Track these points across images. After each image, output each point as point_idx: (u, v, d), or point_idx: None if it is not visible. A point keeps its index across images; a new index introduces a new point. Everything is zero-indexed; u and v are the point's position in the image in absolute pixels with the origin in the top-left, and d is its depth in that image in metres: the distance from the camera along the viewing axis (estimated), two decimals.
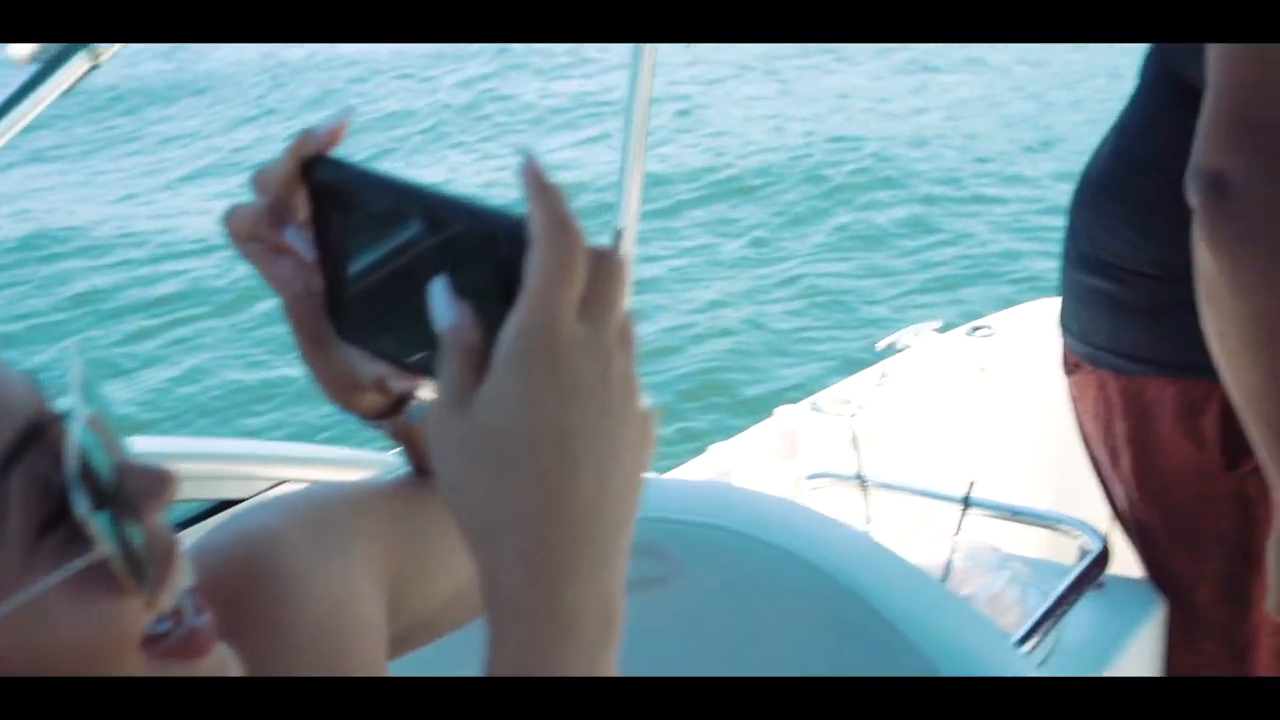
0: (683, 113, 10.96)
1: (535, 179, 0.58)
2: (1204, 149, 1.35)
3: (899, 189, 8.49)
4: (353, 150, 0.68)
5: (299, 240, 0.69)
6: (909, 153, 9.27)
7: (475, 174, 9.34)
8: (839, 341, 6.25)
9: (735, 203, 8.44)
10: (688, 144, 9.92)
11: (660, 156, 9.37)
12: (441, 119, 11.07)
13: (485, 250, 0.60)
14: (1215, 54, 1.38)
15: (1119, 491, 1.83)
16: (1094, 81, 11.01)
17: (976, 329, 2.89)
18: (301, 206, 0.69)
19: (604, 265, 0.59)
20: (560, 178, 0.58)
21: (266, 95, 12.29)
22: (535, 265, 0.57)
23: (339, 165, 0.67)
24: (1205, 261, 1.37)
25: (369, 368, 0.74)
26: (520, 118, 11.14)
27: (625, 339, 0.60)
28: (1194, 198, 1.36)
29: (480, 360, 0.59)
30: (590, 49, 13.41)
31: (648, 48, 2.06)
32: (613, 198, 2.15)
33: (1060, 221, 1.83)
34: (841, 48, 13.61)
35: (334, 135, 0.67)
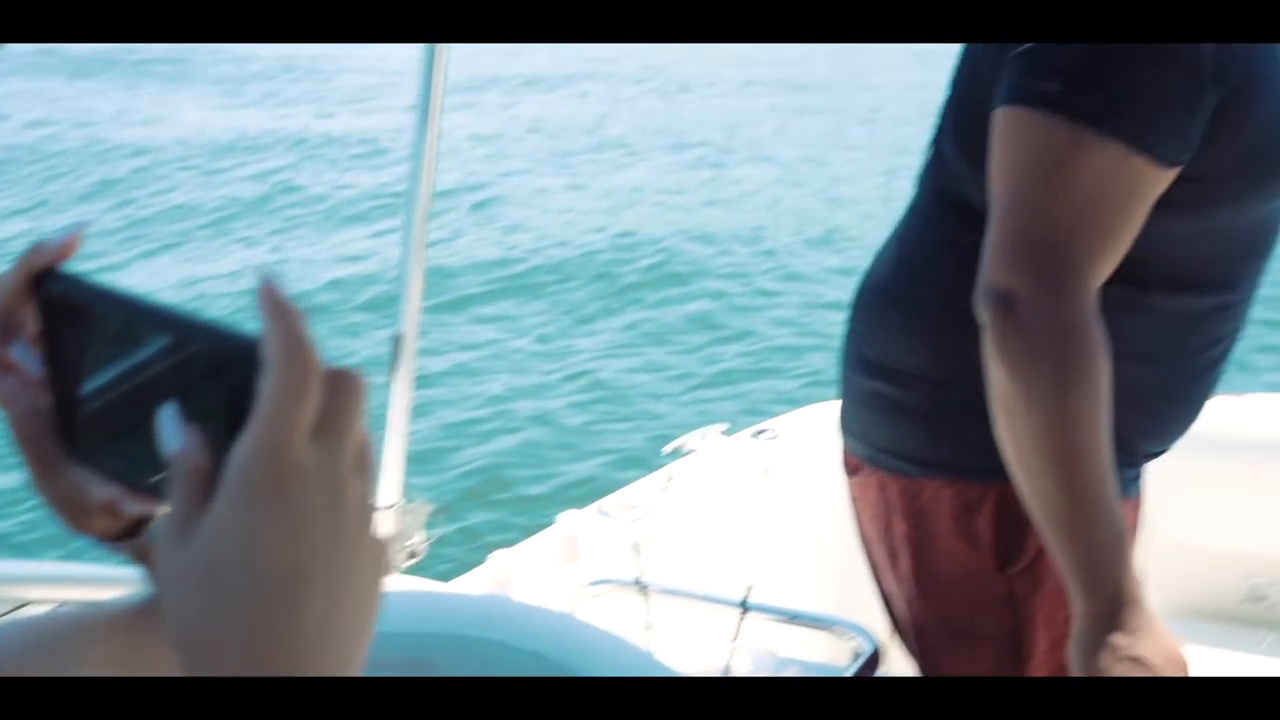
0: (477, 206, 10.98)
1: (271, 300, 0.56)
2: (991, 268, 1.41)
3: (688, 285, 8.61)
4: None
5: (26, 357, 0.67)
6: (698, 249, 9.41)
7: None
8: (625, 437, 6.25)
9: (524, 298, 8.45)
10: (479, 237, 9.92)
11: (451, 250, 9.35)
12: (231, 213, 10.86)
13: (220, 371, 0.59)
14: (998, 174, 1.44)
15: (897, 592, 1.84)
16: (871, 180, 11.37)
17: (760, 432, 2.92)
18: (31, 321, 0.66)
19: (340, 387, 0.57)
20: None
21: (41, 186, 11.92)
22: (266, 388, 0.55)
23: (73, 280, 0.64)
24: (998, 376, 1.43)
25: (101, 489, 0.70)
26: (312, 210, 11.01)
27: (362, 464, 0.58)
28: (983, 315, 1.42)
29: (207, 486, 0.56)
30: (383, 139, 13.37)
31: (429, 146, 2.05)
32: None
33: (841, 317, 1.86)
34: (637, 143, 13.85)
35: (67, 248, 0.65)
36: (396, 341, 2.13)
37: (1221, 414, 2.72)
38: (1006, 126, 1.44)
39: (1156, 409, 1.65)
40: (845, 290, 1.88)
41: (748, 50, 21.92)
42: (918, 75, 17.57)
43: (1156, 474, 1.74)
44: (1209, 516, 2.89)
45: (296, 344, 0.55)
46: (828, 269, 8.89)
